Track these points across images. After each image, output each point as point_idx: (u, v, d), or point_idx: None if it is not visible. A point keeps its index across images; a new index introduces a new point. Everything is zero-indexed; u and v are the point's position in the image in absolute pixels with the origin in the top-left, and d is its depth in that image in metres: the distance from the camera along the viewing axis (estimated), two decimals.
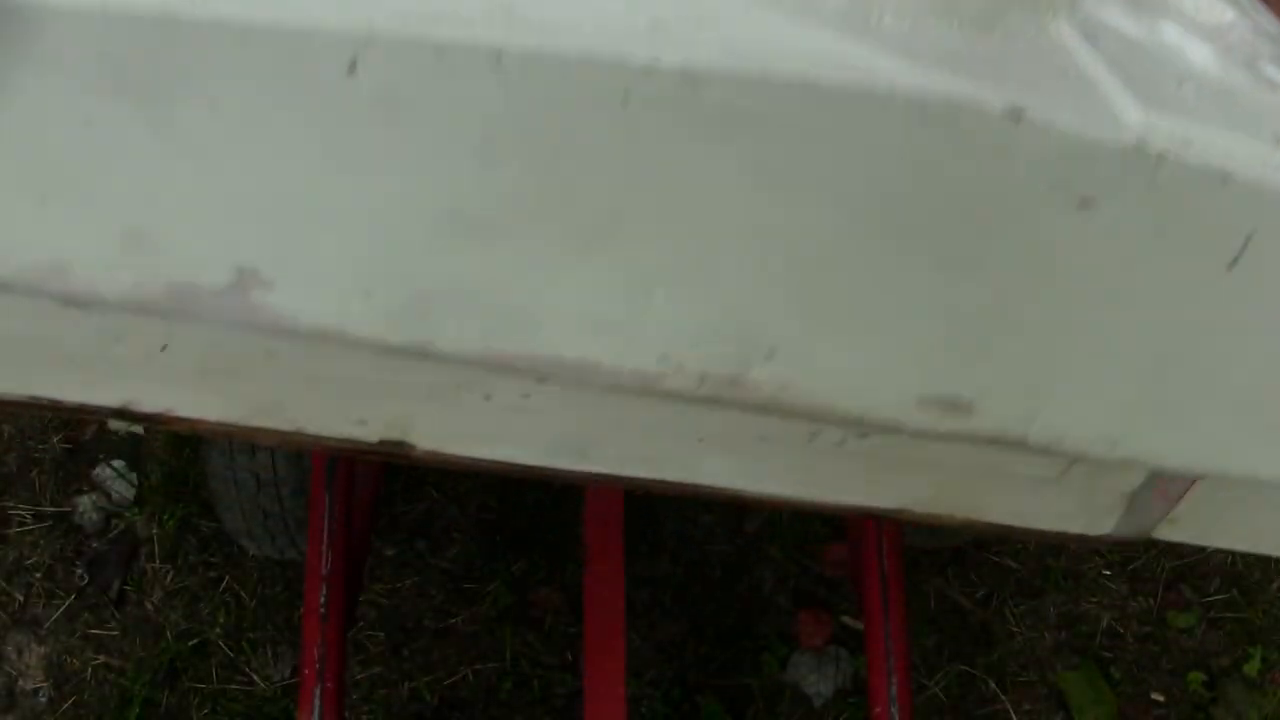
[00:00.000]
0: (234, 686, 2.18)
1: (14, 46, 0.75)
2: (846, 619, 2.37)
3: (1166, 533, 1.26)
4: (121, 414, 1.05)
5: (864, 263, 0.92)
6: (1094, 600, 2.47)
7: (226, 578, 2.28)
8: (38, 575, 2.26)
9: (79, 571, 2.27)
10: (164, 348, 0.95)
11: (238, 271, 0.86)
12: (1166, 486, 1.21)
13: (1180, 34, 1.03)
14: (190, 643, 2.21)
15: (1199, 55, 1.01)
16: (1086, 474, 1.18)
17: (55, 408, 1.05)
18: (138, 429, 2.40)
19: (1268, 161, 0.90)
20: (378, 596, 2.29)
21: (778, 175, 0.86)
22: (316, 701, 1.66)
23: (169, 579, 2.28)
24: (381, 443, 1.08)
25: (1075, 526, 1.25)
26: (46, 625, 2.21)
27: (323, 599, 1.73)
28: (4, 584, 2.24)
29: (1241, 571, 2.52)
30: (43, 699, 2.15)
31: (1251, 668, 2.41)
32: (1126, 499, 1.22)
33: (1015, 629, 2.41)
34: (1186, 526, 1.25)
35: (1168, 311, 0.97)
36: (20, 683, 2.16)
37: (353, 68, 0.78)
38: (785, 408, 0.97)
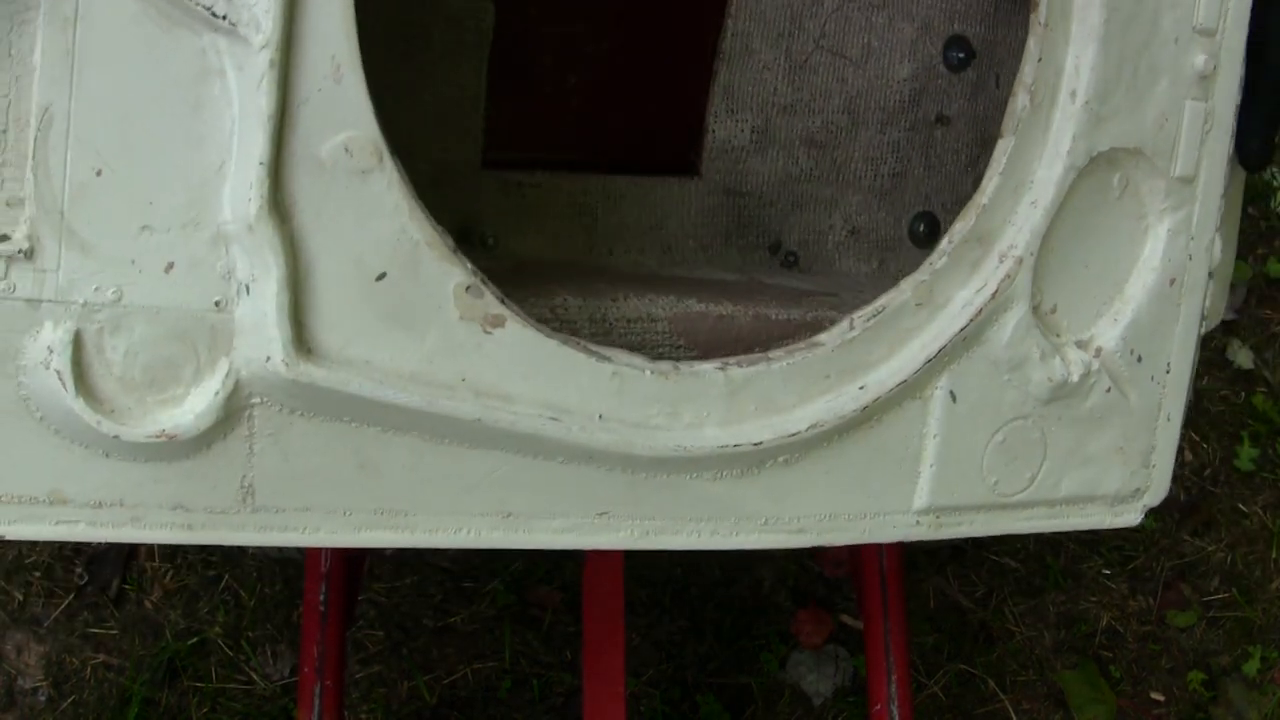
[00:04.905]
0: (233, 685, 2.18)
1: None
2: (846, 618, 2.37)
3: None
4: None
5: None
6: (1094, 599, 2.46)
7: (226, 576, 2.28)
8: (37, 574, 2.25)
9: (78, 570, 2.27)
10: None
11: None
12: None
13: None
14: (189, 641, 2.21)
15: None
16: None
17: None
18: None
19: None
20: (377, 595, 2.29)
21: None
22: (316, 700, 1.67)
23: (168, 578, 2.28)
24: None
25: None
26: (46, 624, 2.21)
27: (322, 597, 1.73)
28: (3, 582, 2.24)
29: (1241, 571, 2.51)
30: (42, 698, 2.15)
31: (1251, 667, 2.41)
32: None
33: (1015, 628, 2.41)
34: None
35: None
36: (19, 681, 2.16)
37: None
38: None
